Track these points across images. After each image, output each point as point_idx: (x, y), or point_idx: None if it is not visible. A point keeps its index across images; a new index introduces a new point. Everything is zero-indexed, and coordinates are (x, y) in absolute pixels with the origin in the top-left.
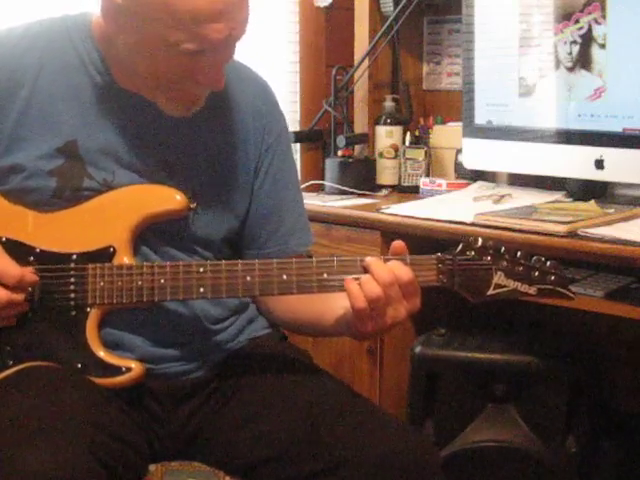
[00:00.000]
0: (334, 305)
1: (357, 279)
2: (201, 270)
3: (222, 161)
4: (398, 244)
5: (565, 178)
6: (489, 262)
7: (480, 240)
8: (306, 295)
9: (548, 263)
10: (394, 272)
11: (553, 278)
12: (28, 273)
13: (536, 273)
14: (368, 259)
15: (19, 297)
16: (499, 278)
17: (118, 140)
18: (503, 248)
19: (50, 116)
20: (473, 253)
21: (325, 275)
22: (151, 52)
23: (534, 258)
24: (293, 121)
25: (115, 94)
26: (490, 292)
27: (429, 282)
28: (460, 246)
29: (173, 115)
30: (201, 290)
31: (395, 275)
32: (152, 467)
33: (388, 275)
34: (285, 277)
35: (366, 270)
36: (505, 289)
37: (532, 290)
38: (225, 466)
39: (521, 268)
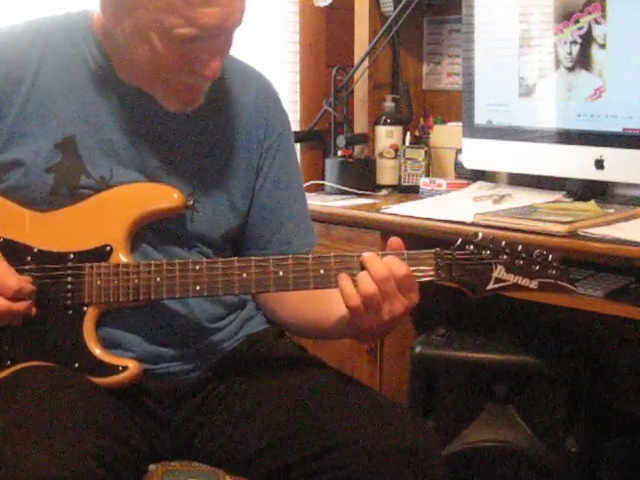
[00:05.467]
0: (336, 306)
1: (352, 275)
2: (197, 268)
3: (223, 159)
4: (395, 240)
5: (565, 178)
6: (489, 256)
7: (480, 235)
8: (308, 297)
9: (549, 257)
10: (390, 267)
11: (554, 272)
12: (26, 284)
13: (537, 267)
14: (365, 254)
15: (19, 307)
16: (499, 272)
17: (117, 137)
18: (503, 242)
19: (49, 112)
20: (472, 247)
21: (321, 271)
22: (147, 39)
23: (535, 252)
24: (293, 121)
25: (116, 88)
26: (490, 287)
27: (427, 277)
28: (459, 241)
29: (171, 111)
30: (197, 288)
31: (391, 270)
32: (152, 467)
33: (384, 270)
34: (281, 273)
35: (362, 265)
36: (505, 283)
37: (533, 284)
38: (225, 464)
39: (521, 262)
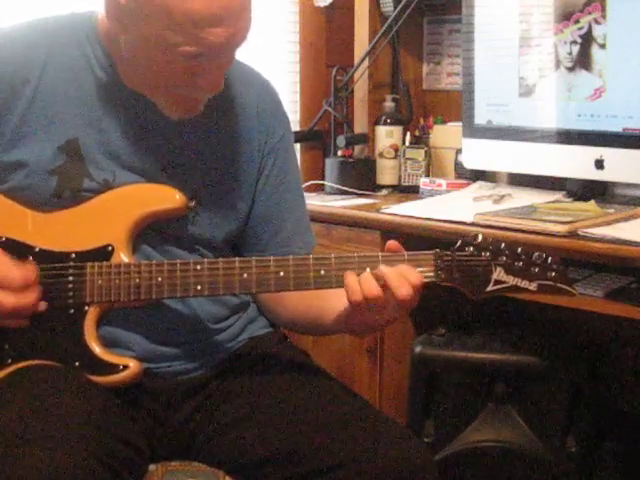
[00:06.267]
0: (334, 303)
1: (358, 273)
2: (198, 267)
3: (225, 162)
4: (393, 244)
5: (565, 178)
6: (488, 258)
7: (480, 236)
8: (306, 294)
9: (549, 259)
10: (408, 278)
11: (554, 274)
12: (31, 273)
13: (536, 269)
14: (383, 269)
15: (26, 300)
16: (499, 274)
17: (120, 140)
18: (503, 244)
19: (53, 113)
20: (472, 249)
21: (322, 272)
22: (151, 53)
23: (535, 254)
24: (293, 121)
25: (119, 92)
26: (489, 288)
27: (427, 278)
28: (459, 242)
29: (172, 118)
30: (198, 287)
31: (413, 287)
32: (152, 467)
33: (407, 290)
34: (282, 274)
35: (379, 279)
36: (505, 285)
37: (532, 286)
38: (225, 466)
39: (521, 264)
